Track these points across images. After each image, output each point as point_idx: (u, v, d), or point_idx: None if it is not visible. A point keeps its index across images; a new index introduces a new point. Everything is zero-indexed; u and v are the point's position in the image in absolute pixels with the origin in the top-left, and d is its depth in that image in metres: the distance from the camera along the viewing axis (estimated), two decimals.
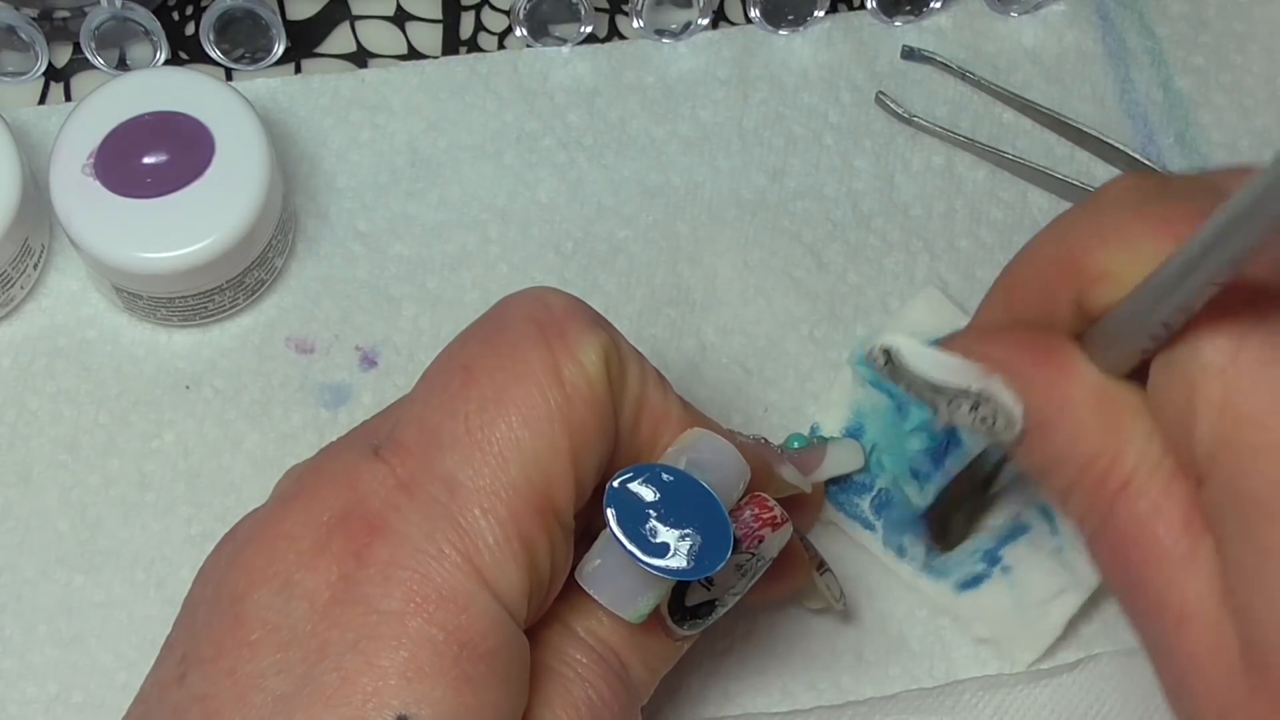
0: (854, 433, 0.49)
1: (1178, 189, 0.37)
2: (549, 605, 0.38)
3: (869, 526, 0.48)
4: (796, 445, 0.48)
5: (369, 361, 0.51)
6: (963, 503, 0.48)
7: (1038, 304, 0.38)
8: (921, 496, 0.47)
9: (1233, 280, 0.33)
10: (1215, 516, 0.34)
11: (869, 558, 0.49)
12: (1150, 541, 0.35)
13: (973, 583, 0.47)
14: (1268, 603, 0.33)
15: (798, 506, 0.43)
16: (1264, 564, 0.33)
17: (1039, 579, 0.47)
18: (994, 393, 0.37)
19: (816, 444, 0.48)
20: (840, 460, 0.48)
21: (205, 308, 0.49)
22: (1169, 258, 0.33)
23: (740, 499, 0.39)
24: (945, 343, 0.39)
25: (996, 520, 0.48)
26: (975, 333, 0.40)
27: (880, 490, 0.48)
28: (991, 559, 0.47)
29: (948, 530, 0.48)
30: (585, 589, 0.38)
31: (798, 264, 0.52)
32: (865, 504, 0.48)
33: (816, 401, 0.50)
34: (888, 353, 0.38)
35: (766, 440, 0.45)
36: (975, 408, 0.38)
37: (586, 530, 0.39)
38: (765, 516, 0.39)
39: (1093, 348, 0.37)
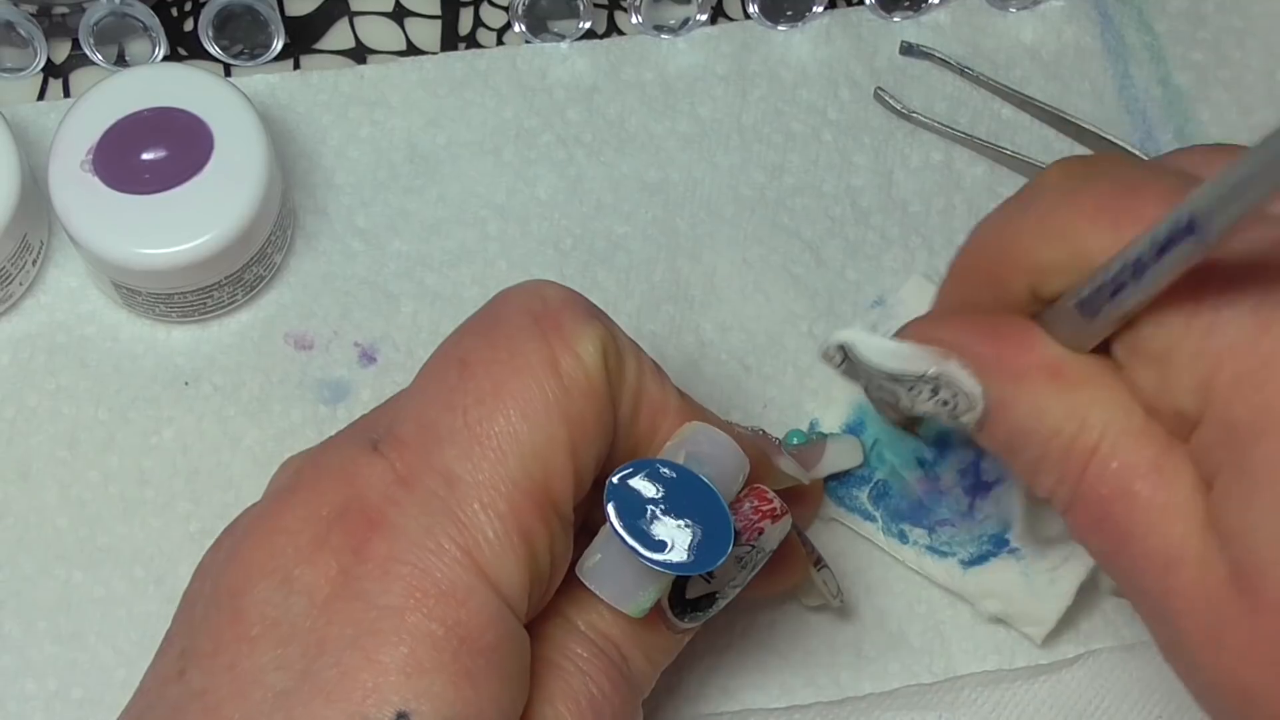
0: (855, 429, 0.48)
1: (1103, 168, 0.38)
2: (549, 599, 0.38)
3: (869, 518, 0.48)
4: (796, 441, 0.48)
5: (368, 358, 0.51)
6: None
7: (988, 291, 0.39)
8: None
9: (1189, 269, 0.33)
10: (1205, 456, 0.35)
11: (867, 554, 0.49)
12: (1129, 497, 0.36)
13: (980, 559, 0.47)
14: (1259, 521, 0.33)
15: (796, 502, 0.43)
16: (1254, 483, 0.34)
17: (1045, 549, 0.47)
18: (952, 374, 0.37)
19: (816, 440, 0.48)
20: (840, 456, 0.48)
21: (204, 304, 0.49)
22: (1115, 259, 0.34)
23: (739, 491, 0.39)
24: (899, 333, 0.39)
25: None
26: (928, 319, 0.40)
27: (878, 481, 0.48)
28: (998, 541, 0.47)
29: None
30: (586, 584, 0.38)
31: (796, 260, 0.52)
32: (864, 495, 0.48)
33: (815, 397, 0.50)
34: (843, 349, 0.38)
35: (765, 432, 0.45)
36: (936, 392, 0.38)
37: (585, 524, 0.39)
38: (765, 508, 0.39)
39: (1051, 327, 0.37)
